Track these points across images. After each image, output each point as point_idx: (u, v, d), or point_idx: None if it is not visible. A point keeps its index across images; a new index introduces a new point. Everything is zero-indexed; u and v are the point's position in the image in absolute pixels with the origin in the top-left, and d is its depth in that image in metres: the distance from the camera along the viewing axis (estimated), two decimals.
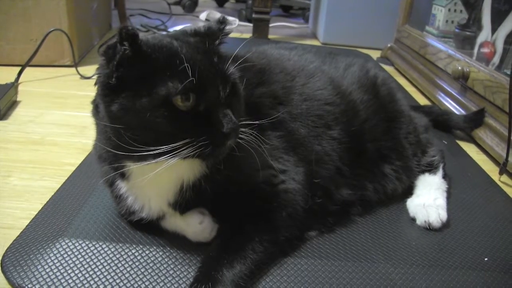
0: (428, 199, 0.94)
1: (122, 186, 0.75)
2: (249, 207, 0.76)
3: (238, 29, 3.02)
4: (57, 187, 0.96)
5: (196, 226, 0.77)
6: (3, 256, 0.74)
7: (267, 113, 0.81)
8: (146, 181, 0.68)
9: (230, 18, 3.23)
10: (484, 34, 1.63)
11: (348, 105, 0.92)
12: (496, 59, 1.52)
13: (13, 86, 1.47)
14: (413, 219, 0.93)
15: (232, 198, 0.76)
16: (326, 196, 0.85)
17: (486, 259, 0.82)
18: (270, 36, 2.79)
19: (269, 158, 0.76)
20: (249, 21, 3.11)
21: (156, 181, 0.69)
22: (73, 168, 1.04)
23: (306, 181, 0.82)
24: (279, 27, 3.25)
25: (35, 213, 0.86)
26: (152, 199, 0.75)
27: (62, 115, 1.39)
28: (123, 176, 0.73)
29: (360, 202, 0.92)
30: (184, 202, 0.74)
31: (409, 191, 1.00)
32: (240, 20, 3.25)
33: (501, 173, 1.15)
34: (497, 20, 1.56)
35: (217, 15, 3.26)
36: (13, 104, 1.43)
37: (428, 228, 0.89)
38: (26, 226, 0.82)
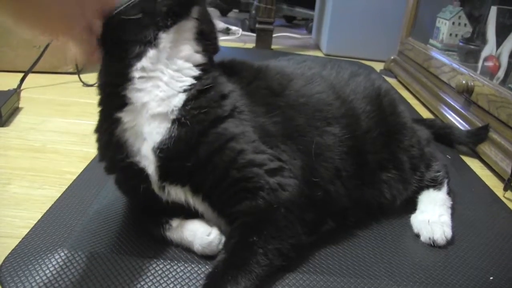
0: (433, 216, 0.92)
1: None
2: (245, 200, 0.74)
3: (241, 39, 3.02)
4: (57, 196, 0.95)
5: (204, 238, 0.76)
6: (1, 266, 0.73)
7: (261, 102, 0.81)
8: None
9: (233, 28, 3.24)
10: (489, 48, 1.63)
11: (349, 111, 0.91)
12: (500, 74, 1.51)
13: (16, 92, 1.47)
14: (417, 235, 0.91)
15: (222, 180, 0.74)
16: (325, 199, 0.83)
17: (491, 278, 0.80)
18: (273, 47, 2.80)
19: (262, 144, 0.76)
20: (252, 31, 3.11)
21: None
22: (74, 177, 1.03)
23: (303, 176, 0.79)
24: (282, 38, 3.26)
25: (35, 222, 0.85)
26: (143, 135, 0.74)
27: (63, 122, 1.39)
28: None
29: (356, 211, 0.90)
30: (168, 159, 0.72)
31: (412, 207, 0.98)
32: (244, 30, 3.26)
33: (505, 189, 1.14)
34: (502, 34, 1.55)
35: (220, 24, 3.27)
36: (15, 110, 1.43)
37: (433, 245, 0.88)
38: (25, 235, 0.81)
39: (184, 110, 0.73)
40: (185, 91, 0.74)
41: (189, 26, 0.75)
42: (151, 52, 0.71)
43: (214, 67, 0.81)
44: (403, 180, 0.96)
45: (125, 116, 0.74)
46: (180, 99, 0.73)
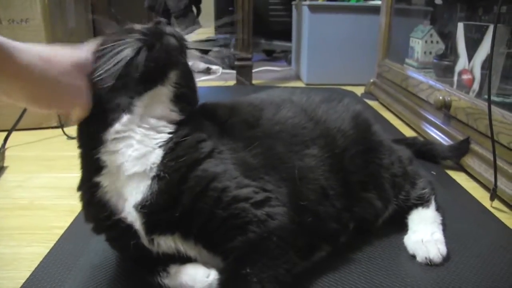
0: (426, 235, 0.92)
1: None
2: (234, 234, 0.73)
3: (222, 77, 3.06)
4: (46, 252, 0.94)
5: (204, 280, 0.75)
6: None
7: (239, 136, 0.82)
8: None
9: (213, 67, 3.25)
10: (462, 63, 1.67)
11: (324, 131, 0.92)
12: (475, 86, 1.55)
13: (0, 152, 1.47)
14: (413, 256, 0.91)
15: (210, 222, 0.73)
16: (315, 222, 0.83)
17: None
18: (254, 81, 2.83)
19: (245, 179, 0.76)
20: (232, 68, 3.15)
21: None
22: (62, 231, 1.02)
23: (291, 203, 0.79)
24: (263, 72, 3.30)
25: (23, 281, 0.84)
26: (124, 195, 0.73)
27: (50, 177, 1.39)
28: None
29: (346, 231, 0.90)
30: (152, 213, 0.72)
31: (405, 227, 0.98)
32: (224, 68, 3.29)
33: (492, 199, 1.15)
34: (472, 48, 1.59)
35: (200, 64, 3.31)
36: (0, 170, 1.43)
37: (430, 264, 0.87)
38: None
39: (162, 164, 0.72)
40: (161, 146, 0.74)
41: (165, 91, 0.74)
42: (125, 117, 0.72)
43: (193, 116, 0.81)
44: (383, 199, 0.97)
45: (104, 180, 0.74)
46: (157, 155, 0.73)
